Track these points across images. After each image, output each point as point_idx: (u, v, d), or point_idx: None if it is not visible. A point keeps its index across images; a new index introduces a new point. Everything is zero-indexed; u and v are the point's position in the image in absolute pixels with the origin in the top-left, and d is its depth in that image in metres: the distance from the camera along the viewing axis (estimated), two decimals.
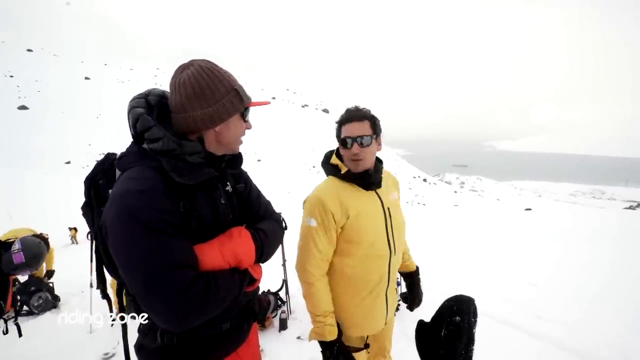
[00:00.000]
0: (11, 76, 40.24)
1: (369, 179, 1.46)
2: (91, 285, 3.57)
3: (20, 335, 2.89)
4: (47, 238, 4.32)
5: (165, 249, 0.85)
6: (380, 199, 1.51)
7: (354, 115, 1.44)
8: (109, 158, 1.08)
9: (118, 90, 43.40)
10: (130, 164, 0.94)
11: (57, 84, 40.70)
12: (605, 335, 2.85)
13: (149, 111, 0.98)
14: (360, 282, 1.49)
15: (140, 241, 0.83)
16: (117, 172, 0.98)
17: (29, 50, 58.68)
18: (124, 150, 1.02)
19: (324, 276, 1.47)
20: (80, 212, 1.10)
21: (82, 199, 1.09)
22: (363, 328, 1.56)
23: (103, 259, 1.03)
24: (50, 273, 4.46)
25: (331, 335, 1.43)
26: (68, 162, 24.10)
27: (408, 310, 1.79)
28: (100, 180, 1.05)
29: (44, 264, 4.40)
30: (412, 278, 1.82)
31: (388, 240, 1.49)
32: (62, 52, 65.55)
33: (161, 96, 1.05)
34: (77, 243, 8.46)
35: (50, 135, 28.05)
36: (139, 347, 1.07)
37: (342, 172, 1.48)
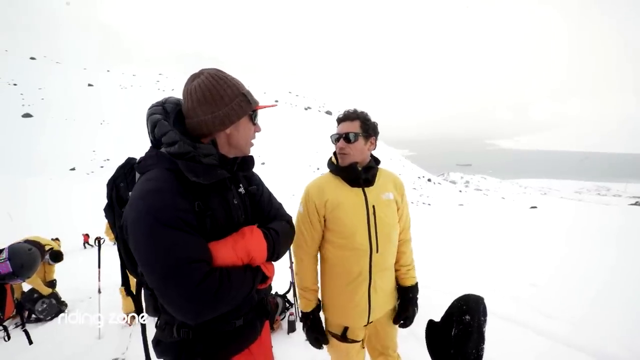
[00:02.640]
0: (15, 84, 40.67)
1: (352, 173, 1.55)
2: (99, 291, 3.58)
3: (30, 342, 2.86)
4: (58, 250, 4.32)
5: (182, 244, 0.90)
6: (365, 195, 1.56)
7: (346, 115, 1.58)
8: (129, 162, 1.15)
9: (121, 96, 43.75)
10: (149, 167, 1.00)
11: (61, 91, 41.09)
12: (612, 332, 2.83)
13: (166, 117, 1.05)
14: (340, 271, 1.58)
15: (159, 237, 0.88)
16: (137, 175, 1.04)
17: (32, 58, 59.33)
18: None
19: (309, 255, 1.62)
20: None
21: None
22: (342, 317, 1.62)
23: (124, 257, 1.10)
24: (51, 284, 4.29)
25: (306, 308, 1.62)
26: (73, 169, 24.30)
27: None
28: (121, 183, 1.12)
29: (45, 274, 4.28)
30: (405, 293, 1.70)
31: (370, 237, 1.53)
32: (65, 60, 66.33)
33: (176, 104, 1.11)
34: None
35: (55, 142, 28.30)
36: (156, 342, 1.12)
37: (334, 166, 1.62)
